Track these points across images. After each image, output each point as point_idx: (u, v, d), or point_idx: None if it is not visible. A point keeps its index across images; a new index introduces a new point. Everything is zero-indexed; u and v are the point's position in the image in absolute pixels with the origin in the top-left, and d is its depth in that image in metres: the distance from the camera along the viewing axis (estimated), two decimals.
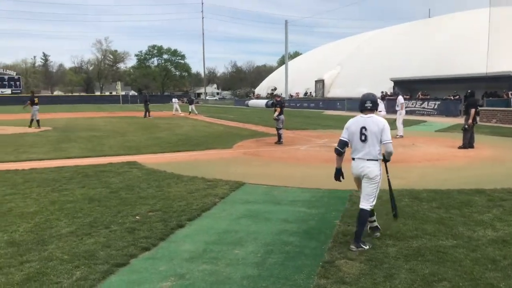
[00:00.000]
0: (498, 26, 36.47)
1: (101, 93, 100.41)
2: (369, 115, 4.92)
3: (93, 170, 9.64)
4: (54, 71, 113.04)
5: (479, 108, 18.95)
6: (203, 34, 78.85)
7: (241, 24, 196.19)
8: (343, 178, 5.17)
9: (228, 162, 11.16)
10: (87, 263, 4.44)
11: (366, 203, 4.93)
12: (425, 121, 25.99)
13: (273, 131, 15.90)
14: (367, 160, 4.87)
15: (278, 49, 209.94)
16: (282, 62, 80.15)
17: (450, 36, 41.28)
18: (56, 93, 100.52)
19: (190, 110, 36.63)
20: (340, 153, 5.05)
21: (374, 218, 5.35)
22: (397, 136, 15.71)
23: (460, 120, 18.14)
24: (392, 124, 15.95)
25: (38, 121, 22.57)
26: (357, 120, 4.95)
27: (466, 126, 13.12)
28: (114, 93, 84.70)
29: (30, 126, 22.21)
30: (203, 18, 78.99)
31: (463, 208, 6.32)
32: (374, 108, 4.97)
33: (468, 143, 13.11)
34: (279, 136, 14.90)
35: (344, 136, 5.02)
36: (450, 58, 37.14)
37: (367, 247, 4.81)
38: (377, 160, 4.89)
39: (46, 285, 3.96)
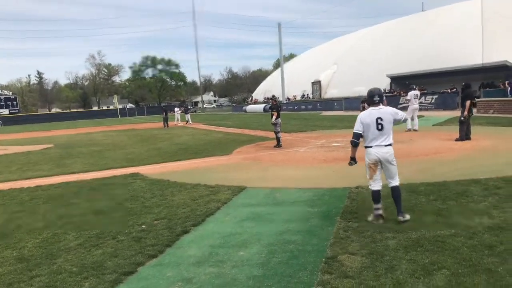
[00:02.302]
0: (492, 16, 36.75)
1: (98, 107, 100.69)
2: (379, 107, 5.58)
3: (98, 184, 9.79)
4: (49, 89, 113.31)
5: (476, 99, 19.13)
6: (196, 42, 79.51)
7: (234, 29, 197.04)
8: (355, 163, 5.92)
9: (228, 168, 11.29)
10: (95, 274, 4.56)
11: (395, 181, 5.69)
12: (422, 116, 26.09)
13: (272, 135, 16.04)
14: (385, 146, 5.56)
15: (273, 52, 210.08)
16: (277, 65, 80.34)
17: (444, 28, 41.42)
18: (54, 110, 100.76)
19: (186, 119, 36.77)
20: (357, 145, 5.73)
21: (380, 205, 5.68)
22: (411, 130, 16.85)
23: (458, 113, 18.27)
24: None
25: None
26: (371, 113, 5.58)
27: (462, 118, 13.25)
28: (111, 107, 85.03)
29: None
30: (195, 26, 79.46)
31: (459, 198, 6.46)
32: (381, 101, 5.61)
33: (465, 135, 13.23)
34: (278, 139, 15.04)
35: (358, 129, 5.64)
36: (446, 51, 37.27)
37: (408, 216, 5.59)
38: (391, 144, 5.61)
39: None
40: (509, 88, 26.71)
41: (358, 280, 4.00)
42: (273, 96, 17.63)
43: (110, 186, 9.46)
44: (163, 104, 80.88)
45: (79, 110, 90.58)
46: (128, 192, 8.65)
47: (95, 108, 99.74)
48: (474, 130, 14.05)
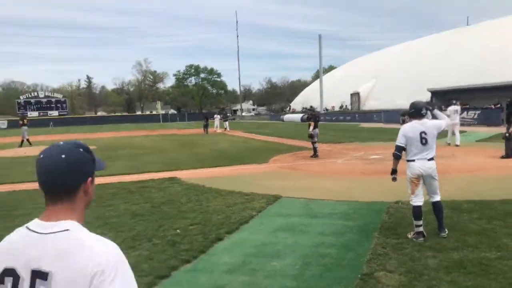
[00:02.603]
0: None
1: (142, 112, 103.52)
2: (423, 120, 5.54)
3: (136, 186, 10.00)
4: (97, 93, 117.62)
5: None
6: (238, 52, 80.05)
7: (275, 40, 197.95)
8: (396, 175, 5.82)
9: (264, 176, 11.27)
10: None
11: (437, 196, 5.64)
12: (465, 131, 25.17)
13: (309, 145, 15.90)
14: (428, 160, 5.49)
15: (312, 64, 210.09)
16: (316, 76, 79.96)
17: (489, 42, 40.04)
18: (99, 113, 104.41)
19: (225, 126, 37.13)
20: (399, 157, 5.65)
21: (421, 223, 5.50)
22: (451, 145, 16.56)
23: (502, 129, 17.49)
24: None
25: (28, 140, 24.41)
26: (414, 127, 5.52)
27: (507, 135, 12.70)
28: (154, 112, 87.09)
29: (20, 146, 23.48)
30: (237, 36, 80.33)
31: (507, 218, 6.14)
32: (427, 114, 5.62)
33: (511, 152, 12.65)
34: (315, 149, 14.90)
35: (401, 142, 5.56)
36: (490, 66, 35.97)
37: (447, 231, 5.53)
38: (434, 158, 5.55)
39: None
40: None
41: None
42: (311, 106, 17.52)
43: (148, 189, 9.64)
44: (204, 111, 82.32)
45: (123, 114, 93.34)
46: (165, 196, 8.78)
47: (139, 112, 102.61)
48: None
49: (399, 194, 7.79)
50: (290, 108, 76.78)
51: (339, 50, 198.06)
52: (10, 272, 1.33)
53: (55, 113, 75.24)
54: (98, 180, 8.62)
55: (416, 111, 5.60)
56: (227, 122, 38.12)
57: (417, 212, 5.53)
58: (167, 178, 10.99)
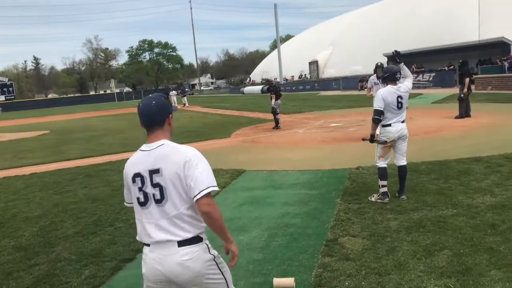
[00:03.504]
0: None
1: (95, 92, 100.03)
2: (398, 85, 5.60)
3: (94, 170, 9.70)
4: (46, 74, 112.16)
5: (474, 76, 18.97)
6: (192, 24, 78.58)
7: (230, 11, 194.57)
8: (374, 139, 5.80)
9: (227, 151, 11.20)
10: (95, 261, 4.51)
11: (403, 160, 5.74)
12: (421, 94, 25.95)
13: (270, 116, 15.91)
14: (401, 122, 5.60)
15: (270, 34, 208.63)
16: (274, 46, 79.55)
17: (440, 5, 40.85)
18: (50, 96, 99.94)
19: (183, 102, 36.55)
20: (380, 122, 5.62)
21: (387, 183, 5.66)
22: None
23: (456, 90, 18.14)
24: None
25: None
26: (390, 91, 5.54)
27: (462, 95, 13.14)
28: (108, 91, 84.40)
29: None
30: (191, 8, 78.32)
31: (461, 177, 6.39)
32: (400, 78, 5.68)
33: (464, 112, 13.15)
34: (277, 121, 14.92)
35: (381, 106, 5.54)
36: (442, 28, 36.80)
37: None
38: (405, 121, 5.69)
39: (56, 286, 4.04)
40: (506, 65, 26.48)
41: (359, 262, 3.94)
42: (268, 79, 17.40)
43: (107, 172, 9.37)
44: (160, 87, 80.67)
45: (76, 95, 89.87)
46: None
47: (92, 92, 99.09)
48: (473, 107, 13.94)
49: (360, 159, 7.97)
50: (250, 80, 76.38)
51: (295, 19, 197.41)
52: (138, 174, 2.29)
53: (1, 98, 71.39)
54: (53, 166, 8.34)
55: (390, 76, 5.63)
56: (185, 98, 37.51)
57: (383, 172, 5.67)
58: (126, 160, 10.66)
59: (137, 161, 2.32)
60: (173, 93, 38.19)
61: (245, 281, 3.84)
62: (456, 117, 13.11)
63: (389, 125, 5.56)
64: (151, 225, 2.25)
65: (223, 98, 48.92)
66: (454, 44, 31.91)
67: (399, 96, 5.50)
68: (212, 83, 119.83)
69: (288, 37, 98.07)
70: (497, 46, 29.48)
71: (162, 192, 2.22)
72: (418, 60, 35.45)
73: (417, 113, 15.43)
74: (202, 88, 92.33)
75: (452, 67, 30.66)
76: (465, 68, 13.76)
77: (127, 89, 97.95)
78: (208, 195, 2.17)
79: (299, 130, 14.23)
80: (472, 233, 4.33)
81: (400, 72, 5.64)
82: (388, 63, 40.02)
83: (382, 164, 5.70)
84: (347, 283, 3.61)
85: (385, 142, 5.61)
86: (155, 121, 2.31)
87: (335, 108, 21.50)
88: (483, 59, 30.33)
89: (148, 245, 2.28)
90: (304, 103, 27.66)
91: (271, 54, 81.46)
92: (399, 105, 5.51)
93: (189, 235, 2.22)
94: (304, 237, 4.73)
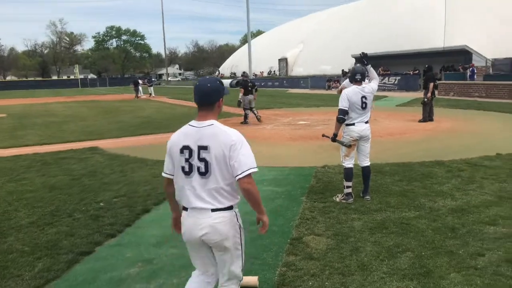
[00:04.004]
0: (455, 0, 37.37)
1: (58, 77, 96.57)
2: (362, 85, 5.63)
3: (53, 157, 9.32)
4: (5, 55, 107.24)
5: (438, 82, 19.52)
6: (162, 12, 76.62)
7: (202, 2, 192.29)
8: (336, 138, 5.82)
9: None
10: (49, 254, 4.31)
11: (367, 161, 5.81)
12: (386, 96, 26.52)
13: (239, 111, 15.81)
14: (365, 123, 5.65)
15: (241, 28, 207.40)
16: (245, 41, 79.16)
17: (409, 11, 41.65)
18: (9, 78, 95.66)
19: (150, 92, 35.87)
20: (344, 121, 5.63)
21: (352, 184, 5.70)
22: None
23: (420, 94, 18.64)
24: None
25: None
26: (355, 91, 5.58)
27: (425, 100, 13.49)
28: (72, 77, 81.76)
29: None
30: None
31: (424, 180, 6.53)
32: (363, 79, 5.70)
33: (428, 117, 13.50)
34: (245, 116, 14.84)
35: (346, 105, 5.56)
36: (409, 33, 37.64)
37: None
38: (369, 121, 5.75)
39: (6, 279, 3.82)
40: (468, 73, 27.44)
41: (323, 262, 3.94)
42: (244, 72, 17.28)
43: (67, 160, 9.03)
44: (126, 75, 78.93)
45: (37, 78, 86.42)
46: (86, 167, 8.28)
47: (55, 77, 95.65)
48: (436, 111, 14.33)
49: (326, 158, 8.02)
50: (219, 73, 75.81)
51: (267, 15, 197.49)
52: (187, 147, 2.54)
53: None
54: (9, 152, 7.94)
55: (351, 76, 5.72)
56: (151, 88, 36.80)
57: (349, 173, 5.70)
58: (87, 148, 10.37)
59: (187, 135, 2.58)
60: (133, 82, 38.06)
61: None
62: (420, 121, 13.45)
63: (353, 124, 5.62)
64: (191, 193, 2.55)
65: (191, 90, 48.28)
66: (420, 50, 32.75)
67: (364, 96, 5.56)
68: (180, 74, 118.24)
69: (259, 33, 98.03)
70: (461, 54, 30.50)
71: (207, 166, 2.50)
72: (385, 63, 36.26)
73: (382, 115, 15.74)
74: (169, 78, 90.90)
75: (417, 71, 31.51)
76: (430, 73, 14.12)
77: (91, 75, 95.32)
78: (249, 175, 2.50)
79: (267, 126, 14.20)
80: (433, 236, 4.41)
81: (361, 74, 5.66)
82: (355, 64, 40.78)
83: (348, 164, 5.73)
84: (310, 283, 3.58)
85: (349, 146, 5.66)
86: (207, 101, 2.59)
87: (303, 106, 21.64)
88: (447, 65, 31.32)
89: (186, 209, 2.62)
90: (273, 99, 27.68)
91: (241, 49, 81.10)
92: (363, 105, 5.58)
93: (223, 206, 2.57)
94: (268, 235, 4.65)
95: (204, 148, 2.50)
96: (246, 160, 2.50)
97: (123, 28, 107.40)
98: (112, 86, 70.45)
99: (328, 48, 48.24)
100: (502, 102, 19.64)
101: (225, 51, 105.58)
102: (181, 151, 2.56)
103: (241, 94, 14.70)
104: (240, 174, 2.48)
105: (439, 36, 34.27)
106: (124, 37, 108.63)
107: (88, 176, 7.53)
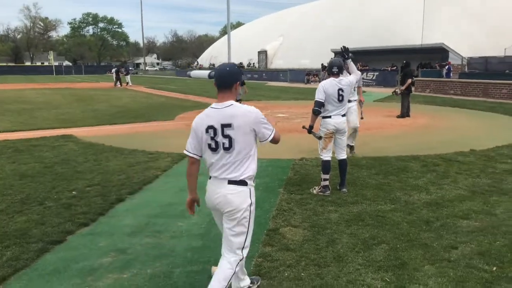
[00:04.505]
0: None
1: (31, 63, 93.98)
2: (339, 78, 5.58)
3: (25, 145, 9.05)
4: None
5: (414, 78, 19.80)
6: (141, 1, 75.28)
7: None
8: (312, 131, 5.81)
9: (170, 134, 10.90)
10: (18, 242, 4.17)
11: (343, 154, 5.84)
12: (364, 92, 26.65)
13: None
14: (342, 116, 5.64)
15: (220, 19, 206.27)
16: (224, 32, 78.77)
17: (388, 7, 42.23)
18: None
19: (127, 80, 35.30)
20: (319, 113, 5.58)
21: (329, 176, 5.70)
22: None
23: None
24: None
25: None
26: (332, 84, 5.52)
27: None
28: (46, 63, 79.66)
29: None
30: None
31: (400, 173, 6.60)
32: (340, 72, 5.64)
33: (406, 112, 13.70)
34: None
35: (321, 98, 5.52)
36: (388, 30, 38.17)
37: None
38: (345, 115, 5.77)
39: None
40: (445, 70, 27.96)
41: (299, 253, 3.93)
42: (241, 63, 17.09)
43: (39, 147, 8.77)
44: (102, 64, 77.34)
45: (9, 64, 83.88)
46: (59, 155, 8.06)
47: (28, 63, 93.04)
48: (412, 108, 14.53)
49: (304, 151, 8.03)
50: (197, 64, 75.18)
51: (247, 6, 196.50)
52: (211, 126, 2.84)
53: None
54: None
55: (328, 68, 5.67)
56: (128, 76, 36.24)
57: (327, 166, 5.70)
58: (60, 136, 10.11)
59: (210, 116, 2.87)
60: (115, 70, 37.15)
61: (182, 269, 3.71)
62: (398, 116, 13.62)
63: (329, 117, 5.59)
64: (216, 165, 2.91)
65: (168, 80, 47.81)
66: (398, 46, 33.18)
67: (340, 89, 5.51)
68: (158, 63, 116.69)
69: (239, 24, 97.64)
70: (438, 52, 31.02)
71: (231, 142, 2.83)
72: (363, 58, 36.55)
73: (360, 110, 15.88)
74: (147, 68, 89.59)
75: (394, 68, 31.90)
76: (408, 70, 14.28)
77: (66, 62, 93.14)
78: (272, 138, 3.03)
79: None
80: (408, 229, 4.46)
81: (338, 67, 5.59)
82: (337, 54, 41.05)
83: (326, 157, 5.73)
84: (286, 274, 3.57)
85: (320, 138, 5.65)
86: (226, 83, 2.87)
87: (282, 99, 21.65)
88: (424, 62, 31.81)
89: (210, 178, 3.00)
90: (252, 91, 27.49)
91: (220, 40, 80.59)
92: (340, 97, 5.53)
93: (239, 178, 2.90)
94: None
95: (228, 126, 2.80)
96: (268, 132, 2.98)
97: (100, 15, 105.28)
98: (88, 74, 69.05)
99: (308, 42, 48.43)
100: (476, 100, 20.07)
101: (204, 42, 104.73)
102: (206, 130, 2.86)
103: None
104: (265, 140, 3.01)
105: (417, 33, 34.77)
106: (101, 25, 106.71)
107: (60, 164, 7.34)
